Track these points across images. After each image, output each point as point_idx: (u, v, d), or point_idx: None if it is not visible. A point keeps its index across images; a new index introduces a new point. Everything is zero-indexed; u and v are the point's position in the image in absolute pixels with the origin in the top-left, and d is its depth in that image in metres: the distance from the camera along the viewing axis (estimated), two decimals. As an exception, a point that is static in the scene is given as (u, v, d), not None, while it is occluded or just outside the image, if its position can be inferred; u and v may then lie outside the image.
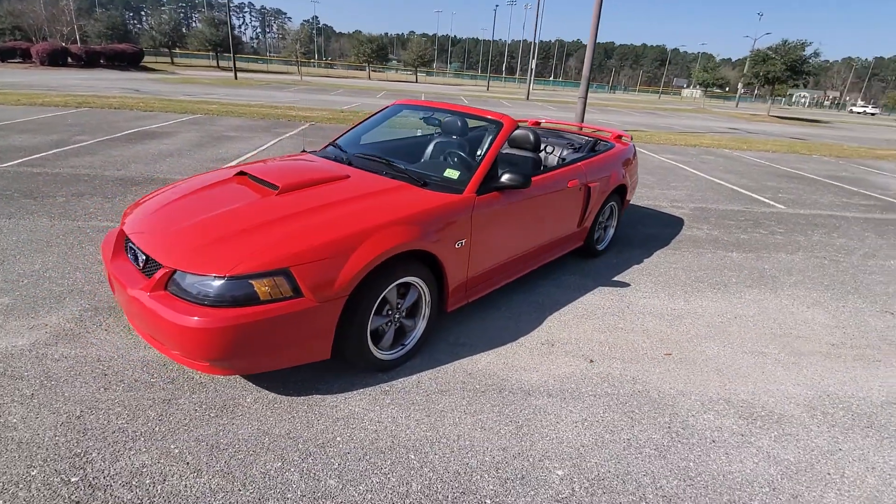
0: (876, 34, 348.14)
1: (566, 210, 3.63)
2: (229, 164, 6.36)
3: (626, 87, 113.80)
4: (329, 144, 3.61)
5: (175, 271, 2.03)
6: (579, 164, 3.76)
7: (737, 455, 2.09)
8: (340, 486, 1.79)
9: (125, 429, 1.97)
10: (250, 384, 2.30)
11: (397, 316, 2.51)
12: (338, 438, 2.02)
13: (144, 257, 2.19)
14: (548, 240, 3.54)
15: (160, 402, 2.14)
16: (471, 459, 1.96)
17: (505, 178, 2.83)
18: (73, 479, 1.71)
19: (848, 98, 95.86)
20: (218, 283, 1.93)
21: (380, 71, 63.39)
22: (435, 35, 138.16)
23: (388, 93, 28.01)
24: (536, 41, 32.92)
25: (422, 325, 2.64)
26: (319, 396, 2.25)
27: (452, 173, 2.91)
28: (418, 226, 2.41)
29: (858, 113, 67.22)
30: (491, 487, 1.84)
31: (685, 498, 1.85)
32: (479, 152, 3.17)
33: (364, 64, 55.45)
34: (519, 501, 1.78)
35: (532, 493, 1.82)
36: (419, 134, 4.10)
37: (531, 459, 1.98)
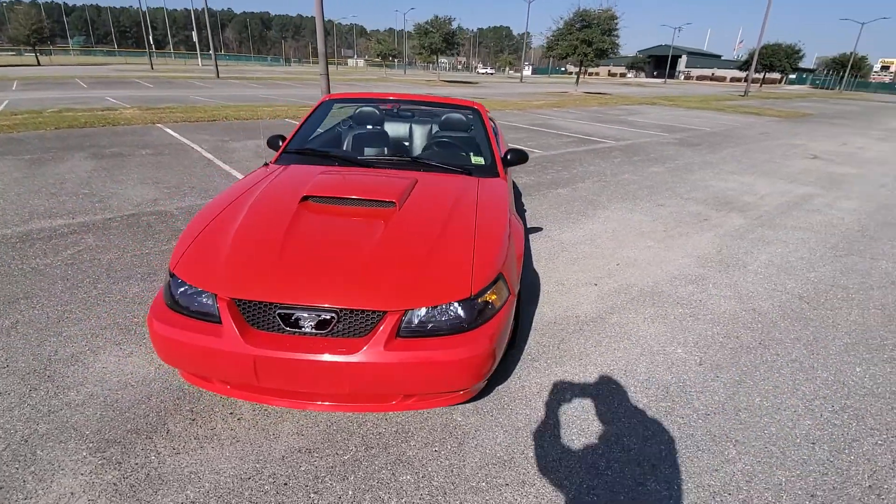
0: (474, 7, 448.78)
1: None
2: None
3: (300, 59, 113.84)
4: (283, 153, 3.00)
5: (405, 312, 1.77)
6: None
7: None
8: (624, 458, 1.93)
9: None
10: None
11: None
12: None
13: (330, 316, 1.76)
14: None
15: None
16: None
17: (510, 156, 3.08)
18: None
19: (473, 62, 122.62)
20: (464, 306, 1.84)
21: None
22: (38, 2, 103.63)
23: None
24: (205, 6, 29.13)
25: None
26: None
27: (479, 160, 2.98)
28: (510, 209, 2.55)
29: (482, 73, 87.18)
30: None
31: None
32: (469, 135, 3.27)
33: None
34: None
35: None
36: (370, 128, 3.72)
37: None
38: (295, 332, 1.76)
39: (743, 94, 34.46)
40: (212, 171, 6.24)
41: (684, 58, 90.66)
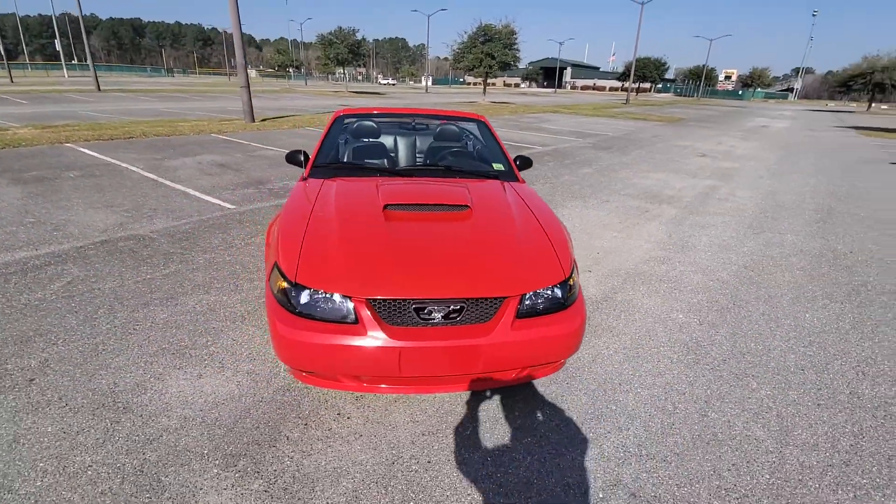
0: (369, 19, 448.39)
1: None
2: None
3: (184, 69, 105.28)
4: (314, 167, 3.13)
5: (522, 296, 2.04)
6: None
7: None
8: (681, 400, 2.40)
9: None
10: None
11: None
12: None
13: (460, 306, 2.00)
14: None
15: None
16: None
17: (519, 161, 3.49)
18: None
19: (373, 73, 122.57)
20: (561, 288, 2.16)
21: None
22: None
23: None
24: (80, 12, 26.02)
25: None
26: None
27: (499, 166, 3.31)
28: None
29: (384, 84, 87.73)
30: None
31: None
32: (478, 146, 3.60)
33: None
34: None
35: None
36: (391, 140, 3.87)
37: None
38: (429, 324, 1.97)
39: (625, 101, 38.71)
40: (167, 192, 5.85)
41: (569, 69, 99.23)
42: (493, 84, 76.44)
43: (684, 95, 78.41)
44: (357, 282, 1.99)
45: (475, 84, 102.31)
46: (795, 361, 2.78)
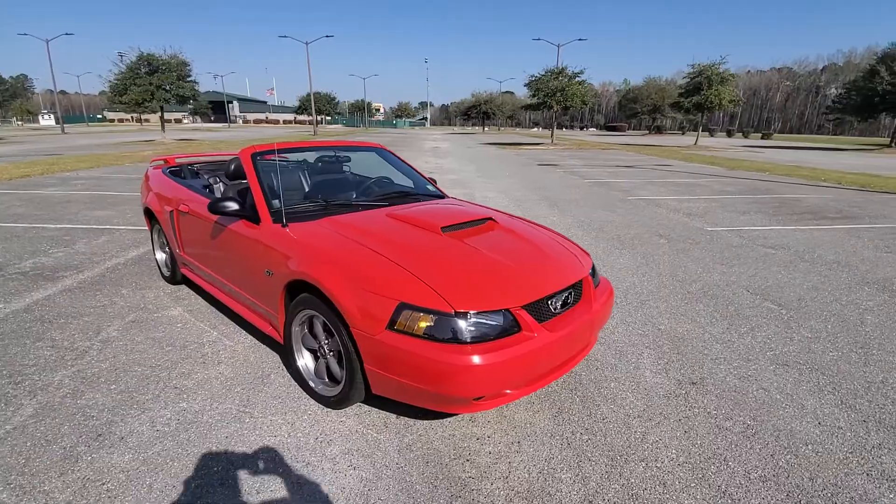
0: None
1: None
2: None
3: None
4: (275, 212, 2.79)
5: (589, 275, 2.60)
6: None
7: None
8: (638, 326, 3.44)
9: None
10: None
11: None
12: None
13: (569, 292, 2.40)
14: None
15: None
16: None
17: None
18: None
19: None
20: (593, 269, 2.73)
21: None
22: None
23: None
24: None
25: None
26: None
27: (431, 187, 3.64)
28: None
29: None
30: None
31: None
32: (398, 169, 3.80)
33: None
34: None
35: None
36: (336, 174, 3.41)
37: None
38: (558, 313, 2.29)
39: (313, 133, 40.72)
40: None
41: (236, 103, 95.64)
42: (147, 120, 66.40)
43: (352, 126, 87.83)
44: (507, 293, 2.14)
45: (121, 121, 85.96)
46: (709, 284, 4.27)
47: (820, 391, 2.61)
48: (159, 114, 26.56)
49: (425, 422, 2.34)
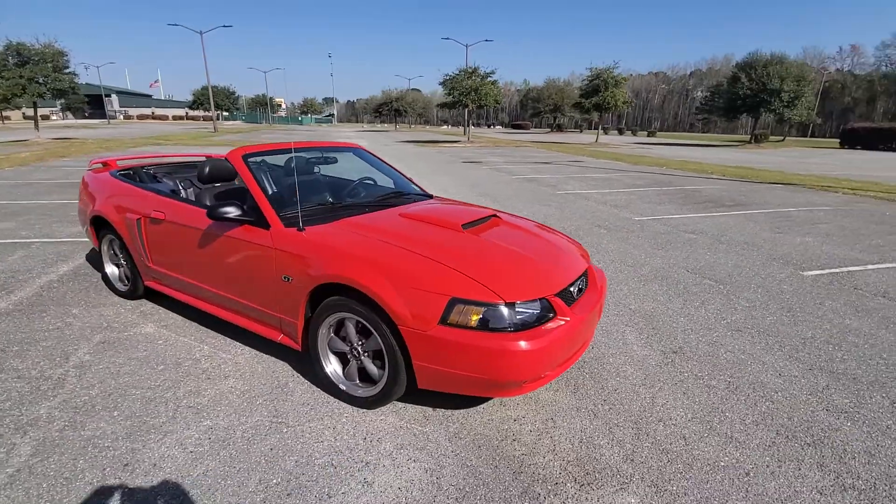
0: None
1: None
2: None
3: None
4: (283, 216, 2.74)
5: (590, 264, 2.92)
6: None
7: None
8: (612, 307, 3.84)
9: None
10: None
11: None
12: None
13: (583, 279, 2.68)
14: None
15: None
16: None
17: None
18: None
19: None
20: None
21: None
22: None
23: None
24: None
25: None
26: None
27: (416, 187, 3.73)
28: None
29: None
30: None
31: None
32: (388, 172, 3.82)
33: None
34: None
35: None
36: (320, 175, 3.24)
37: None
38: (576, 298, 2.53)
39: (213, 130, 37.73)
40: None
41: (115, 97, 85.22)
42: (9, 118, 57.13)
43: (253, 122, 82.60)
44: (541, 283, 2.34)
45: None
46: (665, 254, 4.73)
47: (771, 349, 3.15)
48: (24, 110, 22.96)
49: (461, 411, 2.47)
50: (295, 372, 2.79)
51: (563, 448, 2.21)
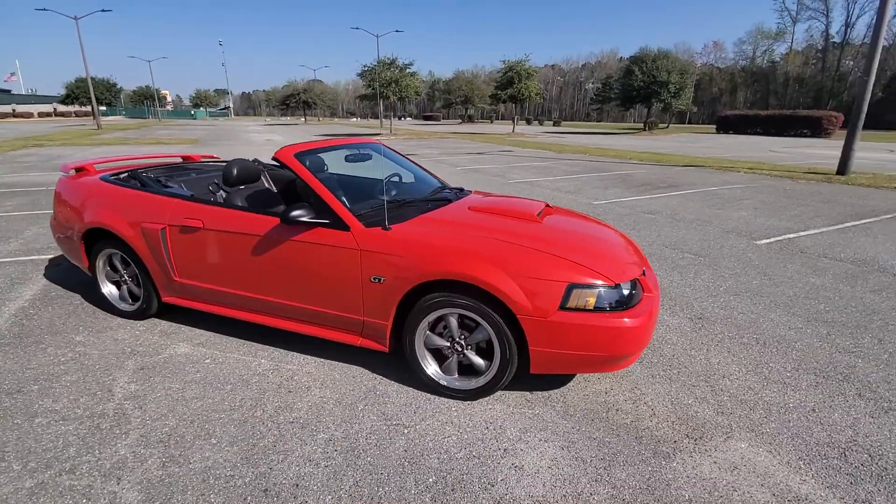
0: None
1: None
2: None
3: None
4: (360, 216, 2.69)
5: None
6: None
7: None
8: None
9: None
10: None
11: None
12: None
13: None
14: None
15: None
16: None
17: None
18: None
19: None
20: None
21: None
22: None
23: None
24: None
25: None
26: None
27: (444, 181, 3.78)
28: None
29: None
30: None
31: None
32: (395, 168, 3.80)
33: None
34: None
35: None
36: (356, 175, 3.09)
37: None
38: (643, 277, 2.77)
39: (97, 127, 33.42)
40: None
41: (-46, 91, 71.64)
42: None
43: (139, 117, 74.10)
44: (630, 265, 2.55)
45: None
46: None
47: (771, 308, 3.69)
48: None
49: (552, 391, 2.62)
50: (376, 375, 2.74)
51: (662, 411, 2.45)
